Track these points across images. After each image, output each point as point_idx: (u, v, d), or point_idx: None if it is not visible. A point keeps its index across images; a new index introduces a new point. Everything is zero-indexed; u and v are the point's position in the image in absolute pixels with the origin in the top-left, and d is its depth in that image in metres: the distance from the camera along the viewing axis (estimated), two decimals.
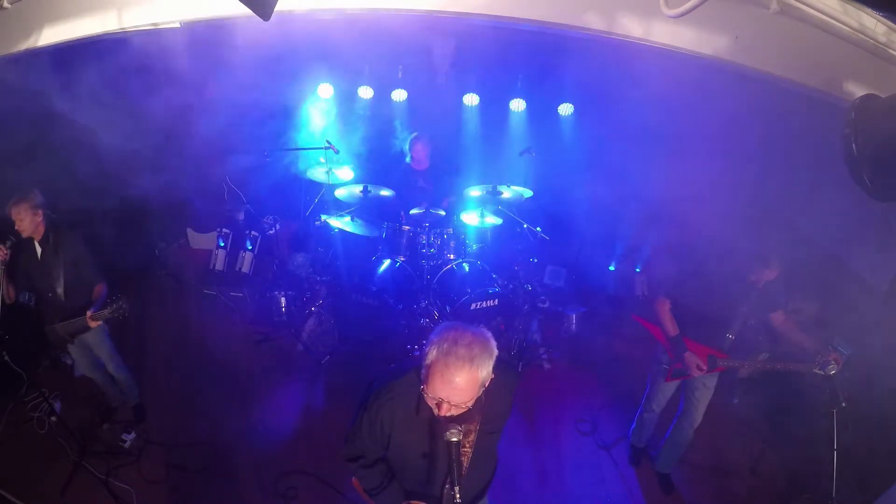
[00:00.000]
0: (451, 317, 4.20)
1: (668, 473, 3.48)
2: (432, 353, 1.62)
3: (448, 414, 1.67)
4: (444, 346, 1.60)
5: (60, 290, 3.27)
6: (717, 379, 3.11)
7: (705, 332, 3.00)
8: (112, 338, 3.52)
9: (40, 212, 3.20)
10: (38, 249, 3.27)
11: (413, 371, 1.81)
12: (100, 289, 3.31)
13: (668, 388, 3.24)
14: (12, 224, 3.15)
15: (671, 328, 3.03)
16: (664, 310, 3.05)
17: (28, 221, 3.15)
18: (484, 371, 1.63)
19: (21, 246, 3.22)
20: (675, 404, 3.30)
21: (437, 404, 1.66)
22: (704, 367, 2.96)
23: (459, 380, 1.59)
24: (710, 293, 2.90)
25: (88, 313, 3.11)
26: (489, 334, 1.69)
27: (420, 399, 1.77)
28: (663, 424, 3.43)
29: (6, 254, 3.13)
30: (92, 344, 3.44)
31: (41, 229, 3.24)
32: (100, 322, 3.14)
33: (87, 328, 3.21)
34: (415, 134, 4.83)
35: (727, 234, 3.33)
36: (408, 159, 4.91)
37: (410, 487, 2.00)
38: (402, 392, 1.81)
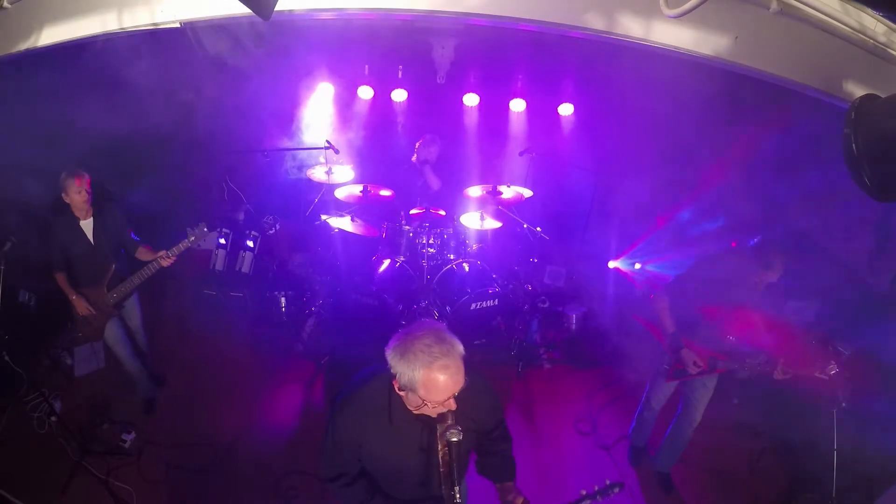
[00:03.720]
0: (452, 316, 4.18)
1: (667, 473, 3.47)
2: (419, 373, 1.60)
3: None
4: (424, 358, 1.59)
5: (113, 259, 3.37)
6: (717, 380, 3.10)
7: (706, 334, 2.99)
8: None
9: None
10: (91, 225, 3.31)
11: (376, 379, 1.79)
12: (146, 249, 3.41)
13: (668, 388, 3.24)
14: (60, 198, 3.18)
15: (668, 324, 3.03)
16: (662, 306, 3.04)
17: (86, 198, 3.21)
18: (459, 343, 1.67)
19: (60, 229, 3.25)
20: (676, 403, 3.30)
21: (445, 403, 1.66)
22: (702, 364, 2.95)
23: (457, 367, 1.62)
24: (710, 295, 2.89)
25: (162, 252, 3.23)
26: (428, 319, 1.72)
27: (391, 407, 1.76)
28: (664, 423, 3.43)
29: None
30: (128, 313, 3.59)
31: (90, 206, 3.29)
32: (173, 259, 3.25)
33: (133, 292, 3.46)
34: (429, 135, 4.78)
35: (728, 235, 3.32)
36: (414, 157, 4.87)
37: (393, 494, 1.99)
38: (368, 402, 1.80)
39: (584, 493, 1.85)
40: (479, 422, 1.93)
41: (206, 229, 3.24)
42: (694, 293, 2.98)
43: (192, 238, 3.23)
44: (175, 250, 3.24)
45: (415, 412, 1.73)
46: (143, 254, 3.43)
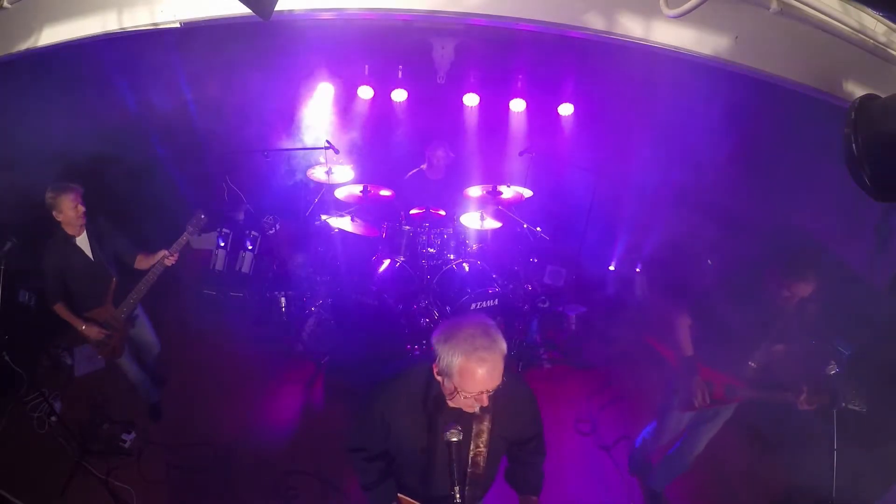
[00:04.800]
0: (451, 317, 4.18)
1: (660, 492, 3.33)
2: (457, 359, 1.62)
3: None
4: (465, 346, 1.61)
5: (114, 273, 3.24)
6: (732, 411, 2.85)
7: (724, 359, 2.70)
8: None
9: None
10: (86, 241, 3.13)
11: (419, 364, 1.82)
12: (143, 256, 3.29)
13: (682, 420, 2.97)
14: (51, 216, 2.99)
15: (687, 347, 2.73)
16: (683, 326, 2.74)
17: (83, 212, 3.03)
18: (504, 343, 1.68)
19: (55, 252, 3.05)
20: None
21: (477, 397, 1.67)
22: (708, 401, 2.71)
23: (495, 363, 1.63)
24: (739, 315, 2.59)
25: (162, 252, 3.12)
26: (480, 313, 1.73)
27: (427, 394, 1.80)
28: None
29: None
30: (139, 325, 3.49)
31: (84, 223, 3.11)
32: (176, 256, 3.15)
33: (139, 301, 3.29)
34: (436, 141, 4.73)
35: (731, 240, 3.27)
36: (423, 166, 4.82)
37: (409, 484, 2.01)
38: (407, 386, 1.84)
39: None
40: (517, 431, 1.95)
41: (203, 216, 3.13)
42: (720, 314, 2.65)
43: (191, 230, 3.15)
44: (176, 247, 3.14)
45: (449, 402, 1.74)
46: (140, 261, 3.29)
